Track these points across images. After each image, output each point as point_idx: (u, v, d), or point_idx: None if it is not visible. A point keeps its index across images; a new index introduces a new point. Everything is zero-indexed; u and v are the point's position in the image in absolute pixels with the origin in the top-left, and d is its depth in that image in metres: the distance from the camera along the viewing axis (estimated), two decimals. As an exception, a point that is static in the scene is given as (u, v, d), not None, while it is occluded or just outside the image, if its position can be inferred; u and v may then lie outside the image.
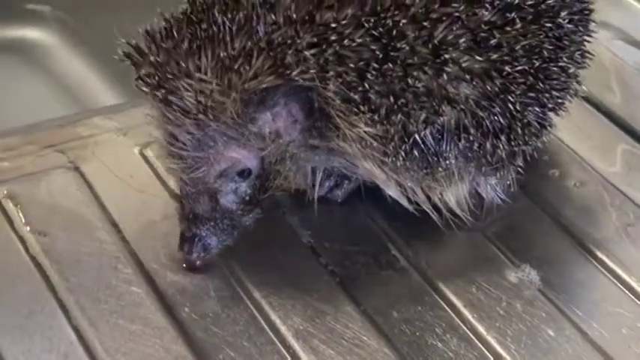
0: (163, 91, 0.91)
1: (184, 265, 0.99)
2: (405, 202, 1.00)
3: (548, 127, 1.04)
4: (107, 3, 1.56)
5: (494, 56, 0.95)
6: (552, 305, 0.99)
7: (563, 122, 1.08)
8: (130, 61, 0.93)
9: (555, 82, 1.00)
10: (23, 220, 1.03)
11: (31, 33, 1.64)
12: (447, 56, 0.92)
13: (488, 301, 0.99)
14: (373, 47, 0.91)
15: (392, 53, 0.91)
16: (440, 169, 0.97)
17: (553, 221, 1.08)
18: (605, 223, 1.08)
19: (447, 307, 0.98)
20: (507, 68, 0.95)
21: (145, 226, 1.03)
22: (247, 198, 0.96)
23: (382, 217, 1.05)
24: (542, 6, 0.98)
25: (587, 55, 1.06)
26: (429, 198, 1.00)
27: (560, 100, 1.03)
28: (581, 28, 1.03)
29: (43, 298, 0.96)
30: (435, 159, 0.96)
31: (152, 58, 0.92)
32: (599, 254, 1.04)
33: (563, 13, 1.00)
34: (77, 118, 1.16)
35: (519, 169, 1.04)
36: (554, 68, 1.00)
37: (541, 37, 0.98)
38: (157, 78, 0.91)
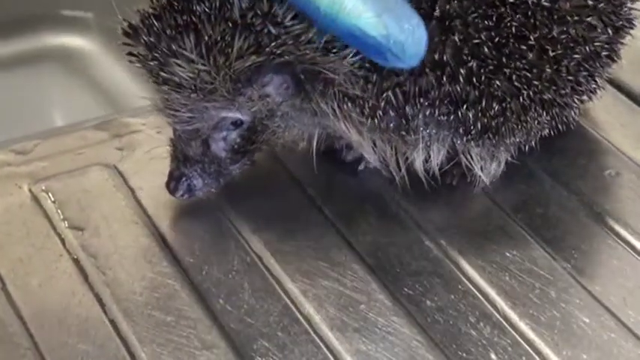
0: (155, 65, 0.95)
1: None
2: (374, 160, 1.02)
3: (537, 108, 1.01)
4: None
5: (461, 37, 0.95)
6: (586, 293, 0.99)
7: (595, 110, 1.07)
8: (126, 38, 0.97)
9: (524, 61, 0.97)
10: (61, 217, 1.05)
11: (71, 40, 1.67)
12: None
13: (522, 289, 0.98)
14: None
15: None
16: (405, 132, 0.99)
17: (587, 211, 1.07)
18: (640, 211, 1.07)
19: (479, 295, 0.98)
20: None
21: (180, 220, 1.04)
22: (236, 146, 1.01)
23: (413, 207, 1.06)
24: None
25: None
26: (396, 158, 1.02)
27: (544, 85, 1.00)
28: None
29: (80, 291, 0.97)
30: (404, 122, 0.98)
31: (144, 38, 0.95)
32: (635, 243, 1.04)
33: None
34: (113, 117, 1.18)
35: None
36: (524, 47, 0.97)
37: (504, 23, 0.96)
38: (149, 56, 0.95)
